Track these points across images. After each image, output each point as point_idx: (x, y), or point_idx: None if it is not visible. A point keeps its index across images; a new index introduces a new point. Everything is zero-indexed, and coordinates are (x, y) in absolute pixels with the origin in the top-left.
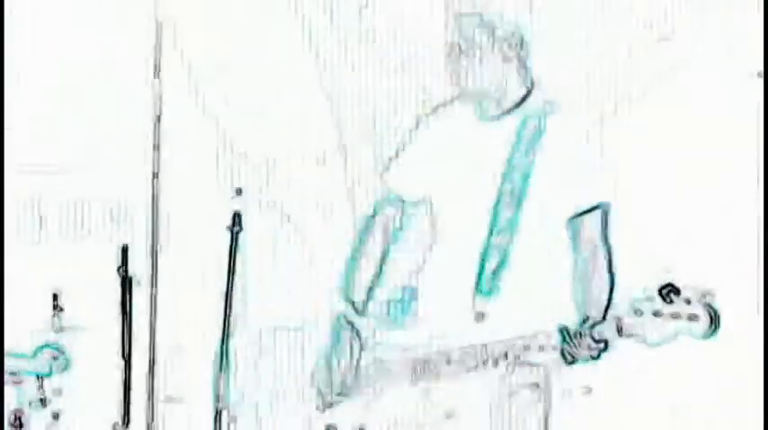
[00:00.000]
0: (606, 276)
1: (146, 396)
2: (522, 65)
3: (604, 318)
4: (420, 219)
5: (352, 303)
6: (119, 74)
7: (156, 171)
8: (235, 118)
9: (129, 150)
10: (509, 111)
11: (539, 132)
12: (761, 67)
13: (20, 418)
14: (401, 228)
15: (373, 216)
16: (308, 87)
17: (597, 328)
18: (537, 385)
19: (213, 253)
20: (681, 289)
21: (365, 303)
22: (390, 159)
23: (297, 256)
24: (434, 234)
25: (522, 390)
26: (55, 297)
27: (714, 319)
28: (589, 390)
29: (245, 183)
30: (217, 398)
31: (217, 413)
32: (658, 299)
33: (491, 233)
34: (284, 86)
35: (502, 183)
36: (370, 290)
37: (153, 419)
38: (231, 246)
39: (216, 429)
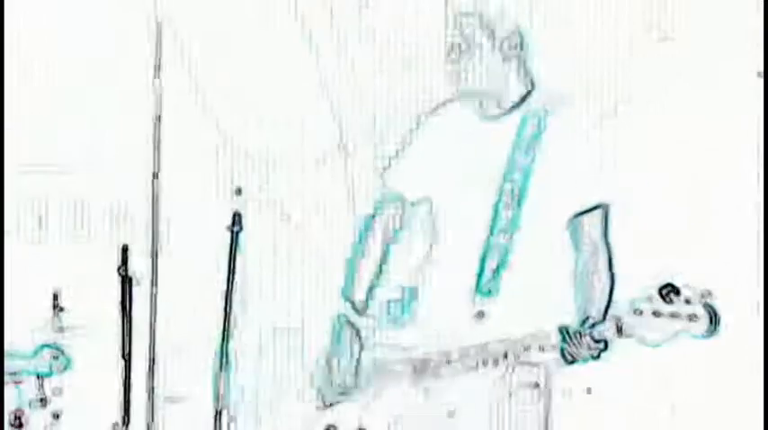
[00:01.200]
0: (606, 276)
1: (146, 396)
2: (522, 64)
3: (604, 318)
4: (420, 219)
5: (352, 303)
6: (119, 74)
7: (156, 171)
8: (235, 118)
9: (129, 150)
10: (509, 111)
11: (539, 132)
12: (761, 67)
13: (20, 418)
14: (401, 228)
15: (373, 216)
16: (309, 87)
17: (597, 328)
18: (536, 385)
19: (213, 253)
20: (681, 289)
21: (365, 303)
22: (390, 159)
23: (297, 256)
24: (435, 233)
25: (521, 390)
26: (55, 297)
27: (714, 319)
28: (589, 390)
29: (245, 183)
30: (217, 398)
31: (217, 413)
32: (658, 299)
33: (491, 232)
34: (284, 86)
35: (503, 183)
36: (371, 290)
37: (153, 419)
38: (231, 246)
39: (216, 429)
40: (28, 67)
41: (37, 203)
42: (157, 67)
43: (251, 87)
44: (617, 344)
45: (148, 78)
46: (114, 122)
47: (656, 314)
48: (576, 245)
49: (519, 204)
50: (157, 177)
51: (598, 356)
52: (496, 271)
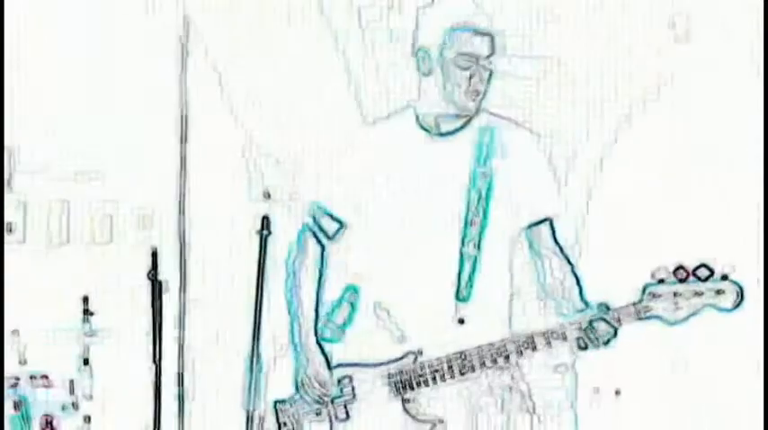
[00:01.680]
0: (570, 278)
1: (176, 399)
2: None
3: (607, 307)
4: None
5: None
6: (146, 77)
7: (183, 174)
8: (262, 121)
9: (156, 154)
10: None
11: (494, 144)
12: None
13: (51, 423)
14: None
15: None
16: (336, 88)
17: (611, 314)
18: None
19: (242, 256)
20: (707, 265)
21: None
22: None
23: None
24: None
25: (506, 394)
26: (85, 301)
27: (740, 293)
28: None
29: (274, 186)
30: (247, 402)
31: (248, 416)
32: (672, 280)
33: (462, 243)
34: (311, 88)
35: (468, 193)
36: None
37: (183, 423)
38: (260, 250)
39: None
40: (55, 72)
41: (66, 208)
42: (185, 70)
43: (278, 89)
44: (634, 328)
45: (176, 82)
46: (142, 126)
47: (675, 295)
48: (534, 251)
49: (485, 214)
50: (185, 180)
51: (607, 343)
52: (470, 277)
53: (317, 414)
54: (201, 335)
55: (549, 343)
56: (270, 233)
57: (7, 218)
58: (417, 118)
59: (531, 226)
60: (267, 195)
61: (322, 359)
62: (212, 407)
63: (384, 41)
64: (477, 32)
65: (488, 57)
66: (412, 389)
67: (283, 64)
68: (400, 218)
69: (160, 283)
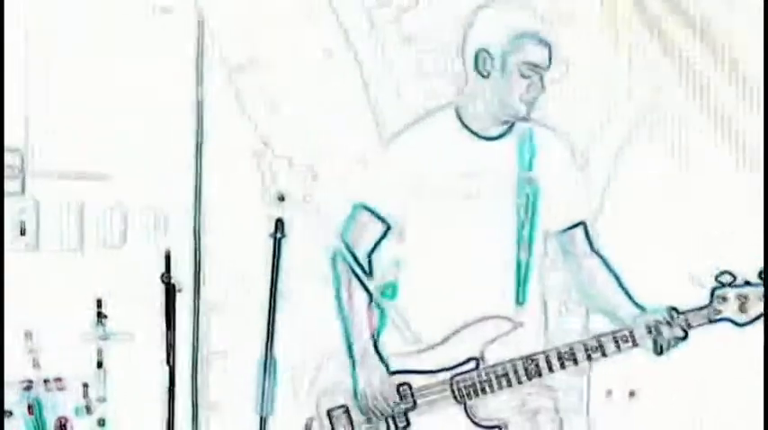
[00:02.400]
0: (611, 280)
1: (189, 402)
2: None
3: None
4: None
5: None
6: (160, 79)
7: (198, 177)
8: (276, 122)
9: (170, 156)
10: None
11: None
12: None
13: (65, 426)
14: None
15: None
16: (351, 91)
17: (685, 317)
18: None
19: (256, 259)
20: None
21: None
22: None
23: None
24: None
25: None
26: (99, 304)
27: None
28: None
29: (288, 189)
30: (261, 405)
31: (261, 420)
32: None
33: (518, 247)
34: (326, 90)
35: (516, 199)
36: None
37: (197, 426)
38: (274, 253)
39: None
40: (70, 74)
41: (79, 210)
42: (200, 74)
43: (292, 91)
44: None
45: (191, 84)
46: (156, 129)
47: (740, 297)
48: (569, 256)
49: (533, 219)
50: (200, 183)
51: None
52: (524, 281)
53: (370, 422)
54: (215, 339)
55: (618, 346)
56: (284, 236)
57: (21, 220)
58: (460, 117)
59: (564, 230)
60: (281, 198)
61: (383, 370)
62: (226, 411)
63: (397, 43)
64: (541, 41)
65: (548, 67)
66: (477, 395)
67: (299, 66)
68: (447, 218)
69: (174, 286)
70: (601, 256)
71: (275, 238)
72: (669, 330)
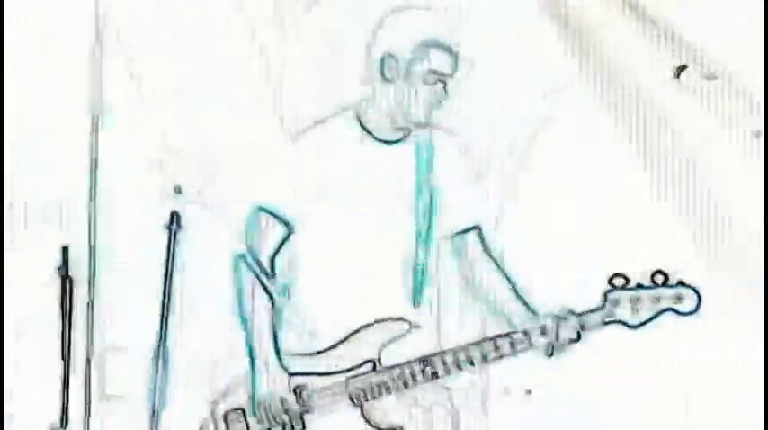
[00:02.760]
0: (504, 285)
1: (84, 396)
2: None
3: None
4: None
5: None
6: (57, 70)
7: (93, 169)
8: (176, 115)
9: (67, 149)
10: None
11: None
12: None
13: None
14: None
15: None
16: (253, 84)
17: (575, 320)
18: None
19: (153, 252)
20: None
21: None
22: None
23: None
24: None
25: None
26: None
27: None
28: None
29: (186, 183)
30: (154, 398)
31: (154, 412)
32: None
33: (416, 250)
34: (229, 84)
35: (416, 202)
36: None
37: (89, 421)
38: (169, 246)
39: (152, 428)
40: None
41: None
42: (98, 64)
43: (192, 84)
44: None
45: (87, 75)
46: (52, 120)
47: (634, 299)
48: (464, 261)
49: (430, 225)
50: (96, 176)
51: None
52: (421, 284)
53: (266, 425)
54: (110, 331)
55: (513, 348)
56: (179, 228)
57: None
58: (361, 120)
59: (458, 233)
60: (178, 190)
61: (281, 372)
62: (121, 405)
63: (306, 39)
64: (448, 51)
65: (452, 75)
66: (374, 397)
67: (200, 59)
68: (346, 220)
69: (70, 279)
70: (494, 260)
71: (170, 231)
72: (561, 332)
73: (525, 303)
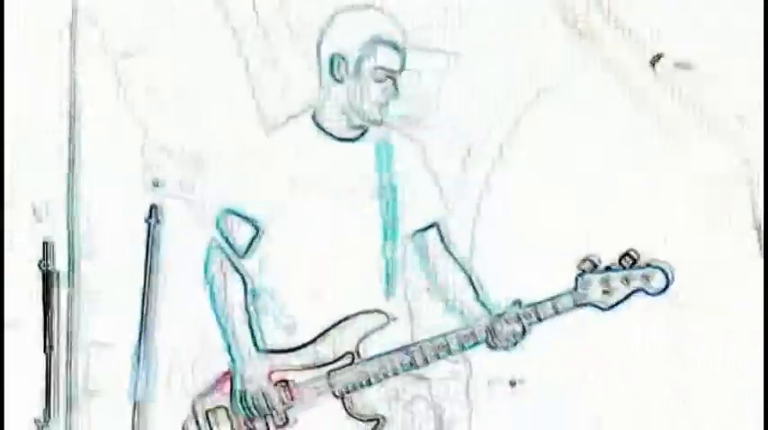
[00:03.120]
0: (462, 279)
1: (67, 390)
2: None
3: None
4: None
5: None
6: (34, 66)
7: (73, 165)
8: (156, 110)
9: (45, 145)
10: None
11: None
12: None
13: None
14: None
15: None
16: (233, 80)
17: (526, 309)
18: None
19: (134, 246)
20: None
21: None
22: None
23: None
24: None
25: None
26: None
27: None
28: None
29: (168, 177)
30: (135, 392)
31: (135, 405)
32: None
33: (383, 245)
34: (208, 79)
35: (379, 199)
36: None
37: (71, 414)
38: (148, 239)
39: (133, 421)
40: None
41: None
42: (74, 60)
43: (173, 79)
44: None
45: (67, 70)
46: (29, 116)
47: (604, 281)
48: (423, 257)
49: (393, 218)
50: (75, 171)
51: (515, 344)
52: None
53: (250, 420)
54: (93, 326)
55: (461, 345)
56: (158, 222)
57: None
58: (317, 120)
59: (419, 231)
60: (156, 184)
61: (263, 368)
62: (104, 399)
63: (283, 36)
64: (395, 47)
65: (400, 71)
66: (354, 389)
67: (179, 56)
68: (315, 218)
69: (52, 274)
70: (454, 257)
71: (149, 224)
72: (507, 327)
73: (480, 300)
